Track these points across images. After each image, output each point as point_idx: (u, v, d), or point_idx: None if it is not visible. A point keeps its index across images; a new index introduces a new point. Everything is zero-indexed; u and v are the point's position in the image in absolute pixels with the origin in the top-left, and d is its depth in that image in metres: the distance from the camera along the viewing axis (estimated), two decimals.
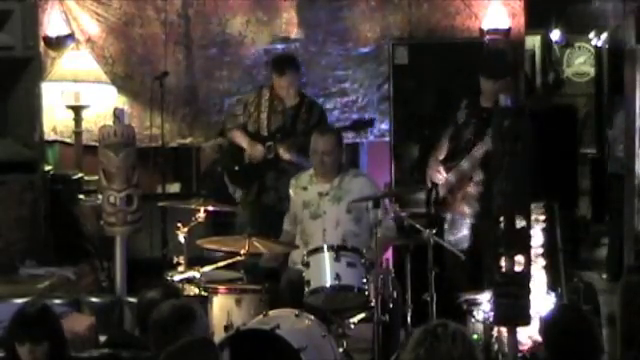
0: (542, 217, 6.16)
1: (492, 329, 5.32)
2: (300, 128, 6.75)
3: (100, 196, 6.51)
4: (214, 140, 7.79)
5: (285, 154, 6.70)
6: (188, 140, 7.88)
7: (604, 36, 10.40)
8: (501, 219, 4.40)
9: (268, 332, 4.84)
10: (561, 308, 4.90)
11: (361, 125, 6.97)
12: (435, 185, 6.36)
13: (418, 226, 5.71)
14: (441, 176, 6.45)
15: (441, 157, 6.56)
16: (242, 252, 5.54)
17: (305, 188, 6.11)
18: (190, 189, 8.04)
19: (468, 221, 6.44)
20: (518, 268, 4.40)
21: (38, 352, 4.01)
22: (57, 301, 5.94)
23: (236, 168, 6.85)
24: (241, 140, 6.84)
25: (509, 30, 7.52)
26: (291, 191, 6.21)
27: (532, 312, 4.53)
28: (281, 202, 6.49)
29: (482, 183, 6.38)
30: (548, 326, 4.05)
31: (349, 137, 7.30)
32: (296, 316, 5.18)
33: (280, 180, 6.66)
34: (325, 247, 5.51)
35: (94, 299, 6.23)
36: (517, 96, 7.20)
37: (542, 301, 5.63)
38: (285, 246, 5.96)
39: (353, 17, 7.74)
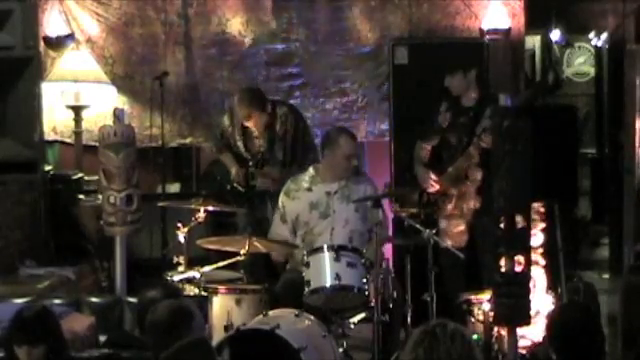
0: (542, 217, 6.16)
1: (492, 329, 5.32)
2: (279, 146, 6.76)
3: (100, 196, 6.51)
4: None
5: (262, 184, 6.73)
6: (188, 140, 7.88)
7: (604, 36, 10.39)
8: (501, 219, 4.39)
9: (268, 332, 4.84)
10: (568, 305, 4.92)
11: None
12: (425, 190, 6.41)
13: (418, 226, 5.71)
14: (435, 183, 6.46)
15: (425, 162, 6.60)
16: (242, 252, 5.55)
17: (309, 189, 6.09)
18: (190, 189, 8.04)
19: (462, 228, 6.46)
20: (518, 268, 4.39)
21: (35, 354, 4.02)
22: (57, 301, 5.94)
23: (228, 187, 6.88)
24: (228, 163, 6.91)
25: (509, 30, 7.52)
26: (286, 197, 6.13)
27: (532, 312, 4.54)
28: (274, 211, 6.49)
29: (480, 181, 6.40)
30: (555, 322, 4.06)
31: None
32: (296, 316, 5.18)
33: (266, 199, 6.70)
34: (325, 247, 5.52)
35: (94, 299, 6.22)
36: (517, 96, 7.22)
37: (542, 301, 5.64)
38: (285, 245, 5.96)
39: (353, 17, 7.74)
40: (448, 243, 6.10)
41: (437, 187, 6.46)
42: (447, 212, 6.45)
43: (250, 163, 6.84)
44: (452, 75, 6.51)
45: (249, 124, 6.78)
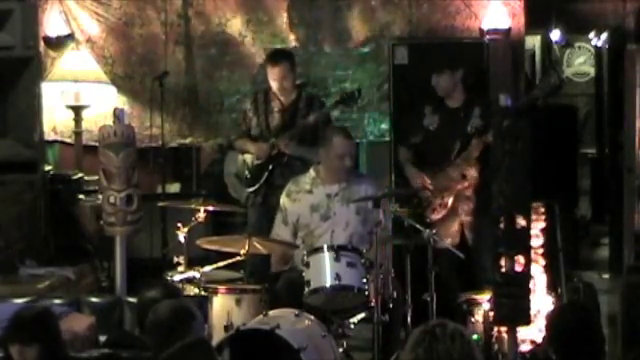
0: (542, 217, 6.16)
1: (492, 329, 5.32)
2: (300, 123, 6.76)
3: (100, 196, 6.51)
4: (214, 140, 7.80)
5: (285, 148, 6.69)
6: (188, 140, 7.88)
7: (604, 36, 10.39)
8: (501, 219, 4.40)
9: (268, 332, 4.84)
10: (568, 305, 4.92)
11: (348, 97, 6.93)
12: (417, 191, 6.41)
13: (418, 226, 5.71)
14: (429, 185, 6.46)
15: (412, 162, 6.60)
16: (242, 252, 5.55)
17: (310, 191, 6.07)
18: (190, 189, 8.04)
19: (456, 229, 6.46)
20: (518, 268, 4.40)
21: (27, 353, 4.01)
22: (57, 301, 5.94)
23: (247, 174, 6.84)
24: (246, 146, 6.84)
25: (509, 30, 7.52)
26: (287, 199, 6.12)
27: (532, 312, 4.54)
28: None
29: (477, 181, 6.40)
30: (554, 323, 4.06)
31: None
32: (296, 316, 5.18)
33: (286, 176, 6.64)
34: (325, 247, 5.51)
35: (94, 299, 6.23)
36: (517, 96, 7.22)
37: (542, 301, 5.64)
38: (285, 245, 5.96)
39: (353, 17, 7.74)
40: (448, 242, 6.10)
41: (431, 188, 6.45)
42: (442, 212, 6.44)
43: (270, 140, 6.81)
44: (439, 74, 6.52)
45: (274, 75, 6.71)
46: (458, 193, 6.44)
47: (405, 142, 6.72)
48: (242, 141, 6.88)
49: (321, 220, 6.00)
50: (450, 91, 6.53)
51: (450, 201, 6.44)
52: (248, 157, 6.84)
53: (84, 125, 7.67)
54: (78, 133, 7.66)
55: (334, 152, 5.98)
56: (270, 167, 6.73)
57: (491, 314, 5.05)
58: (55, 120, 7.74)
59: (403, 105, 7.06)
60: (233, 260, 5.69)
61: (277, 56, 6.84)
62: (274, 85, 6.77)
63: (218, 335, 5.17)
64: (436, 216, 6.43)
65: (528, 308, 4.42)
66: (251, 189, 6.80)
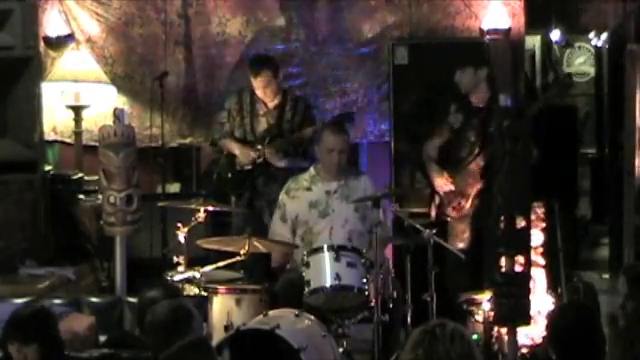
0: (542, 217, 6.16)
1: (492, 329, 5.32)
2: (286, 127, 6.76)
3: (100, 196, 6.51)
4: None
5: (272, 158, 6.70)
6: (188, 140, 7.88)
7: (604, 36, 10.40)
8: (501, 219, 4.40)
9: (268, 332, 4.84)
10: (568, 305, 4.92)
11: (344, 118, 6.91)
12: (437, 192, 6.37)
13: (418, 226, 5.70)
14: (450, 184, 6.42)
15: (436, 160, 6.56)
16: (242, 252, 5.55)
17: (309, 189, 6.09)
18: (190, 189, 8.04)
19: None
20: (518, 268, 4.40)
21: (26, 352, 4.01)
22: (57, 301, 5.95)
23: (229, 175, 6.84)
24: (232, 147, 6.84)
25: (509, 30, 7.53)
26: (286, 196, 6.12)
27: (532, 312, 4.54)
28: (271, 206, 6.47)
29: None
30: (554, 323, 4.06)
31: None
32: (296, 316, 5.17)
33: (269, 185, 6.67)
34: (325, 247, 5.52)
35: (94, 299, 6.23)
36: (517, 96, 7.21)
37: (542, 301, 5.64)
38: (285, 245, 5.96)
39: (353, 17, 7.74)
40: (459, 245, 6.09)
41: (452, 187, 6.40)
42: (459, 212, 6.39)
43: (255, 144, 6.79)
44: (463, 70, 6.44)
45: (257, 83, 6.70)
46: (478, 193, 6.36)
47: (432, 136, 6.62)
48: (227, 141, 6.88)
49: (319, 217, 6.00)
50: (472, 88, 6.44)
51: (468, 204, 6.37)
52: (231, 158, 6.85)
53: (84, 125, 7.67)
54: (78, 133, 7.66)
55: (324, 146, 6.02)
56: (254, 174, 6.74)
57: (491, 314, 5.05)
58: (55, 120, 7.75)
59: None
60: (233, 260, 5.69)
61: (257, 65, 6.79)
62: (258, 92, 6.77)
63: (218, 335, 5.17)
64: (454, 215, 6.39)
65: (528, 308, 4.42)
66: (234, 193, 6.81)
